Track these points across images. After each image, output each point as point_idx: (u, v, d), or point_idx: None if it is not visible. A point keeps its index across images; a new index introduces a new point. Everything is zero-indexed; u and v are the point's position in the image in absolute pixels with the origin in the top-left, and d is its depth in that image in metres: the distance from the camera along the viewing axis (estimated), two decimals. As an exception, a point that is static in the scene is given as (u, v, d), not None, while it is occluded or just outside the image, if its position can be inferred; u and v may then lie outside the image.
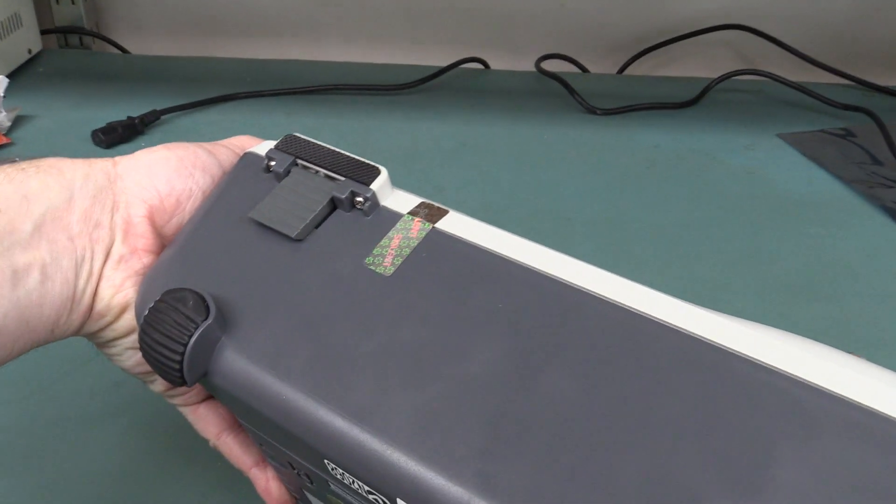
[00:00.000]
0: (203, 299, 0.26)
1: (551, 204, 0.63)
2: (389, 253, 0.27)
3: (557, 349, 0.23)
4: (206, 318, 0.25)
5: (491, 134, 0.74)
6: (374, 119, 0.76)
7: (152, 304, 0.25)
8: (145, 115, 0.72)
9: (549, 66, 0.87)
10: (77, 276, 0.27)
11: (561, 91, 0.82)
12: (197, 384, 0.28)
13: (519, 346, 0.24)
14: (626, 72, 0.92)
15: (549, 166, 0.69)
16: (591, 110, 0.78)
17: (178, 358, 0.25)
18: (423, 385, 0.23)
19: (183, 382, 0.25)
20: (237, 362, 0.25)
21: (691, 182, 0.66)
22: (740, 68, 0.83)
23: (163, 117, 0.74)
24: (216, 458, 0.34)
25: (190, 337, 0.25)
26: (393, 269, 0.27)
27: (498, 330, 0.24)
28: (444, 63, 0.86)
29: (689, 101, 0.80)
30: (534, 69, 0.87)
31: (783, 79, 0.80)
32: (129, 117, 0.71)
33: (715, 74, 0.83)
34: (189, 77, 0.84)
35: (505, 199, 0.64)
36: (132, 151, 0.30)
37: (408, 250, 0.27)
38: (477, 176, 0.67)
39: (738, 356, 0.22)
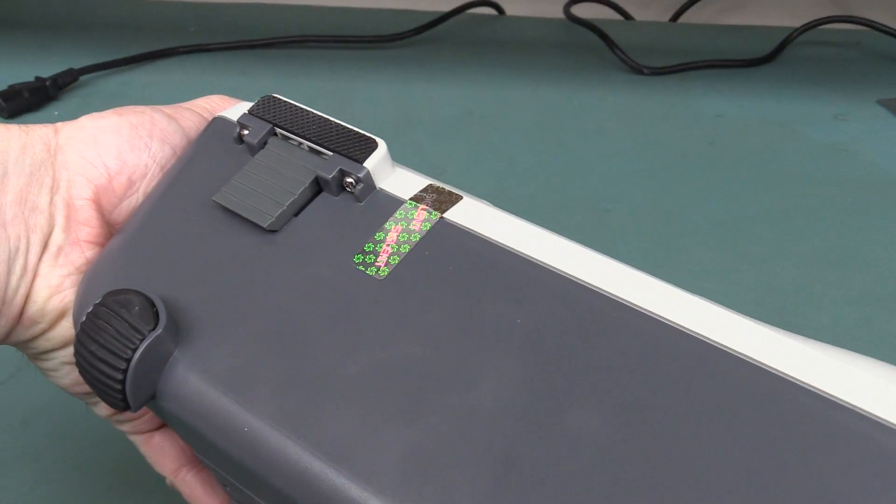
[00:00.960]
0: (152, 304, 0.26)
1: (584, 191, 0.64)
2: (384, 250, 0.28)
3: (588, 379, 0.24)
4: (154, 328, 0.26)
5: (506, 99, 0.75)
6: (355, 80, 0.77)
7: (90, 309, 0.26)
8: (59, 75, 0.73)
9: (581, 10, 0.88)
10: (9, 271, 0.27)
11: (597, 44, 0.82)
12: (146, 408, 0.29)
13: (540, 373, 0.24)
14: (682, 19, 0.93)
15: (581, 142, 0.70)
16: (637, 69, 0.79)
17: (119, 376, 0.26)
18: (417, 418, 0.24)
19: (126, 407, 0.26)
20: (192, 383, 0.26)
21: (764, 163, 0.67)
22: (830, 14, 0.84)
23: (81, 78, 0.75)
24: (169, 501, 0.34)
25: (134, 351, 0.25)
26: (388, 270, 0.28)
27: (515, 351, 0.25)
28: (447, 7, 0.87)
29: (763, 58, 0.81)
30: (561, 15, 0.88)
31: (887, 27, 0.81)
32: (37, 78, 0.73)
33: (797, 23, 0.83)
34: (116, 26, 0.85)
35: (524, 185, 0.64)
36: (42, 122, 0.31)
37: (407, 247, 0.28)
38: (488, 154, 0.68)
39: (820, 395, 0.22)
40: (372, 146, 0.30)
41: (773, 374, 0.23)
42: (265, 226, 0.29)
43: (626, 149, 0.69)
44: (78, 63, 0.76)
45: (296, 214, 0.30)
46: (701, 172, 0.66)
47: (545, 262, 0.27)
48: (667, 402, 0.23)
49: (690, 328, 0.24)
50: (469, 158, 0.67)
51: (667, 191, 0.64)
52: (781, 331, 0.25)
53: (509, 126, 0.72)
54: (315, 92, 0.75)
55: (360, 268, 0.28)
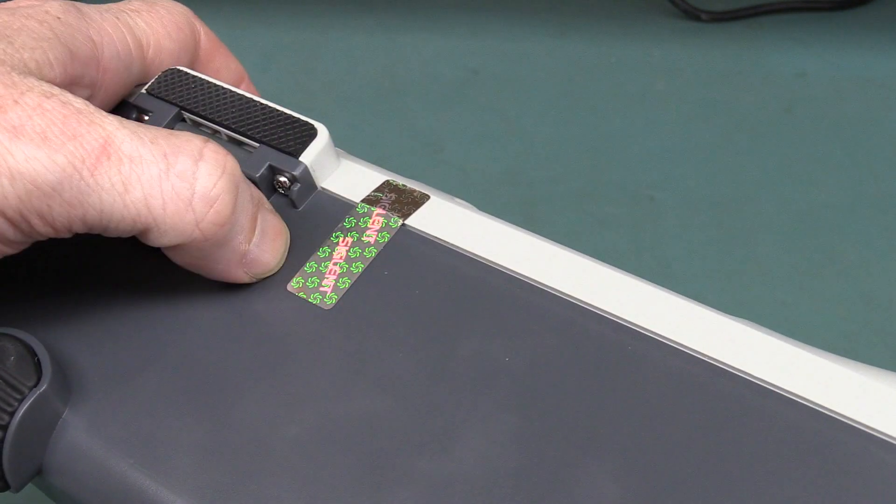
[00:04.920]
0: (32, 352, 0.26)
1: (622, 173, 0.64)
2: (331, 270, 0.28)
3: (600, 433, 0.24)
4: (37, 383, 0.26)
5: (520, 54, 0.75)
6: (325, 30, 0.77)
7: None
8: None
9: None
10: None
11: (641, -20, 0.82)
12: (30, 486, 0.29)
13: (536, 427, 0.24)
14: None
15: (618, 110, 0.69)
16: (692, 14, 0.78)
17: (-7, 450, 0.25)
18: (381, 492, 0.24)
19: (6, 487, 0.26)
20: (89, 453, 0.26)
21: (859, 135, 0.67)
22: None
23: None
24: None
25: (11, 415, 0.25)
26: (336, 297, 0.28)
27: (503, 399, 0.25)
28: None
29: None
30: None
31: None
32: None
33: (903, -50, 0.83)
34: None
35: (543, 166, 0.64)
36: None
37: (361, 265, 0.28)
38: (497, 125, 0.68)
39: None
40: (310, 133, 0.30)
41: (834, 419, 0.24)
42: None
43: (678, 118, 0.69)
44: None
45: None
46: (775, 149, 0.66)
47: (539, 280, 0.27)
48: (701, 463, 0.23)
49: (726, 362, 0.25)
50: (473, 132, 0.67)
51: (729, 173, 0.64)
52: (841, 359, 0.25)
53: (525, 89, 0.71)
54: (273, 46, 0.75)
55: (301, 295, 0.28)
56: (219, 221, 0.26)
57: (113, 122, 0.25)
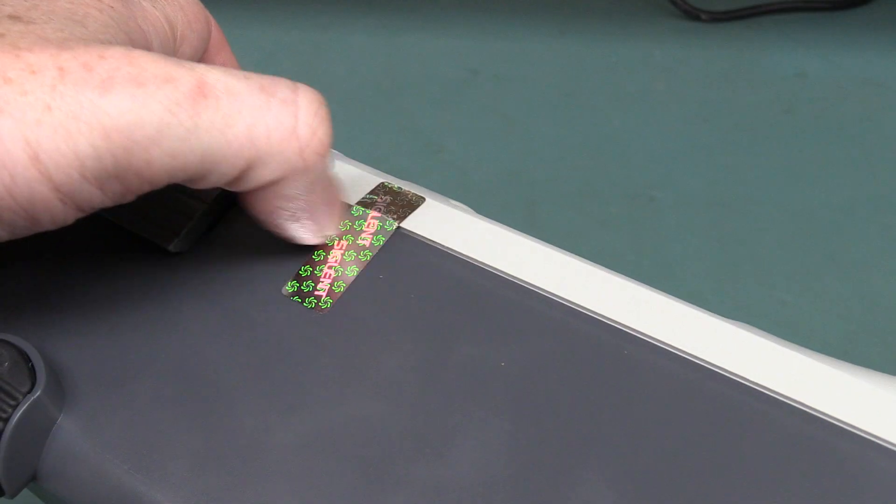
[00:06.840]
0: (26, 357, 0.26)
1: (622, 173, 0.64)
2: (326, 274, 0.28)
3: (596, 439, 0.24)
4: (31, 389, 0.26)
5: (521, 54, 0.75)
6: (325, 30, 0.77)
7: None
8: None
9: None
10: None
11: (642, -20, 0.82)
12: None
13: (532, 433, 0.24)
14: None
15: (618, 110, 0.69)
16: (692, 14, 0.78)
17: (-13, 456, 0.25)
18: (376, 498, 0.24)
19: (0, 493, 0.26)
20: (84, 459, 0.26)
21: (859, 136, 0.66)
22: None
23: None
24: None
25: (6, 421, 0.25)
26: (331, 301, 0.27)
27: (499, 404, 0.25)
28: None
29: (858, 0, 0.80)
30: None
31: None
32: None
33: (903, -50, 0.82)
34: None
35: (543, 166, 0.64)
36: None
37: (356, 269, 0.28)
38: (497, 125, 0.68)
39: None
40: None
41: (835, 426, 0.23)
42: (169, 247, 0.29)
43: (678, 118, 0.68)
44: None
45: (208, 230, 0.30)
46: (775, 149, 0.66)
47: (534, 283, 0.27)
48: (698, 469, 0.23)
49: (723, 367, 0.25)
50: (473, 132, 0.67)
51: (729, 173, 0.64)
52: (840, 362, 0.25)
53: (525, 89, 0.71)
54: (273, 46, 0.75)
55: (295, 299, 0.28)
56: (321, 151, 0.26)
57: (201, 65, 0.24)
